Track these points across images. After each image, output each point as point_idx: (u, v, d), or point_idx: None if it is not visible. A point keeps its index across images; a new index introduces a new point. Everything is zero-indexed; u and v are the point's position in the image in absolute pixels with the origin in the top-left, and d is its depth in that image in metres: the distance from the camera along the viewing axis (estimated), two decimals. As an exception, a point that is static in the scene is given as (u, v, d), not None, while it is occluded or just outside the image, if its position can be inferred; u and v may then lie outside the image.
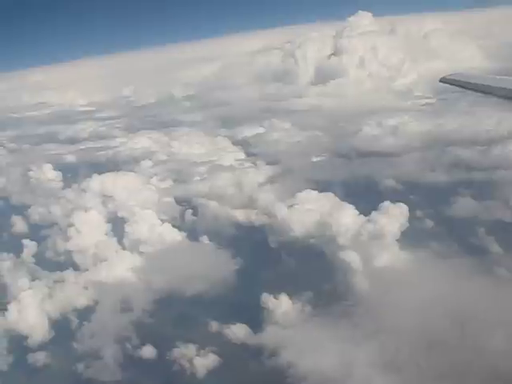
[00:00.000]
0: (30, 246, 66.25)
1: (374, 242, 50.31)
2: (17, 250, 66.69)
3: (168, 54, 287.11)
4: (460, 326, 36.60)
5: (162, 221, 65.23)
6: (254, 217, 63.67)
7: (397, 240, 50.50)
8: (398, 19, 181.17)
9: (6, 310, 53.67)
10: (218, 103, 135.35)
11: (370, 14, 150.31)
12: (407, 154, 74.95)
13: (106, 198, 73.25)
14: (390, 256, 48.88)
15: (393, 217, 51.76)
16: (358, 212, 54.41)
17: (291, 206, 60.11)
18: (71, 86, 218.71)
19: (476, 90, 16.64)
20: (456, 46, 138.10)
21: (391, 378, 34.67)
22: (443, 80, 20.17)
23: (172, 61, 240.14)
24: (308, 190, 60.99)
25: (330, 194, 59.12)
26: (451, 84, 19.39)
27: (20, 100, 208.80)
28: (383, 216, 52.02)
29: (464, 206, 58.77)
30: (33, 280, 59.22)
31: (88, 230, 65.18)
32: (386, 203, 53.41)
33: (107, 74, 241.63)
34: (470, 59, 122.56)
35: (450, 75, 19.95)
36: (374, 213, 52.81)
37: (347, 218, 53.94)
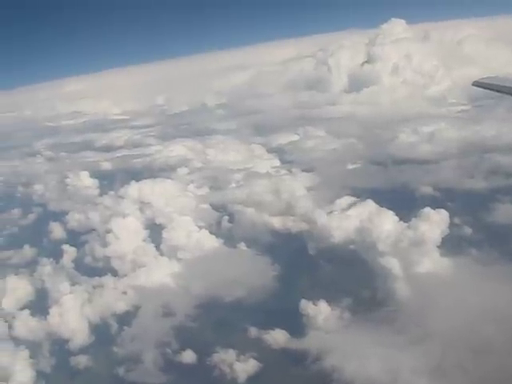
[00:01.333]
0: (69, 252, 67.26)
1: (415, 249, 49.86)
2: (56, 255, 67.87)
3: (200, 63, 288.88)
4: (503, 330, 36.15)
5: (200, 227, 65.61)
6: (292, 223, 63.65)
7: (438, 246, 49.97)
8: (431, 26, 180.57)
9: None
10: (250, 111, 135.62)
11: (403, 21, 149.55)
12: (445, 161, 74.20)
13: (143, 205, 73.97)
14: (431, 262, 48.42)
15: (433, 223, 51.24)
16: (398, 218, 53.97)
17: (330, 212, 60.03)
18: (105, 95, 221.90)
19: (510, 94, 16.52)
20: (491, 51, 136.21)
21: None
22: (476, 84, 20.01)
23: (204, 70, 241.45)
24: (347, 197, 60.78)
25: (369, 201, 58.77)
26: (484, 88, 19.22)
27: (55, 109, 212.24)
28: (423, 222, 51.53)
29: (504, 212, 58.01)
30: (72, 285, 60.08)
31: (126, 236, 65.95)
32: (427, 209, 52.86)
33: (140, 83, 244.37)
34: (506, 65, 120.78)
35: (483, 79, 19.79)
36: (414, 219, 52.36)
37: (387, 224, 53.51)
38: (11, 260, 71.18)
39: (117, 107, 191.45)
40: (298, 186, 71.26)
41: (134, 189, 78.05)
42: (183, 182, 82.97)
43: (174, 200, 73.88)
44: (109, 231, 67.05)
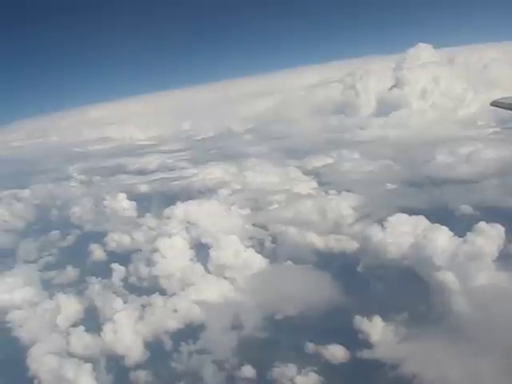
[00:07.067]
0: (117, 271, 68.14)
1: (470, 263, 49.98)
2: (100, 274, 68.97)
3: (224, 90, 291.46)
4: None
5: (246, 246, 66.28)
6: (339, 242, 64.16)
7: (493, 261, 50.16)
8: (454, 50, 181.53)
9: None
10: (279, 136, 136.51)
11: (430, 46, 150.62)
12: (485, 181, 74.31)
13: (188, 225, 74.78)
14: (488, 276, 48.50)
15: (488, 238, 51.52)
16: (452, 233, 54.25)
17: (382, 229, 60.17)
18: (130, 121, 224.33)
19: None
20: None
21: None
22: (494, 104, 20.31)
23: (229, 96, 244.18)
24: (397, 214, 60.94)
25: (421, 217, 59.04)
26: (503, 108, 19.60)
27: (81, 135, 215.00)
28: (478, 237, 51.77)
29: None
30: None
31: (173, 255, 66.74)
32: (481, 224, 53.21)
33: (165, 109, 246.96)
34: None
35: (502, 99, 20.09)
36: (469, 233, 52.64)
37: (441, 239, 53.73)
38: (55, 280, 72.46)
39: (142, 133, 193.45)
40: (342, 205, 71.69)
41: (178, 209, 78.98)
42: (226, 202, 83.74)
43: (218, 220, 74.60)
44: (155, 251, 67.89)
